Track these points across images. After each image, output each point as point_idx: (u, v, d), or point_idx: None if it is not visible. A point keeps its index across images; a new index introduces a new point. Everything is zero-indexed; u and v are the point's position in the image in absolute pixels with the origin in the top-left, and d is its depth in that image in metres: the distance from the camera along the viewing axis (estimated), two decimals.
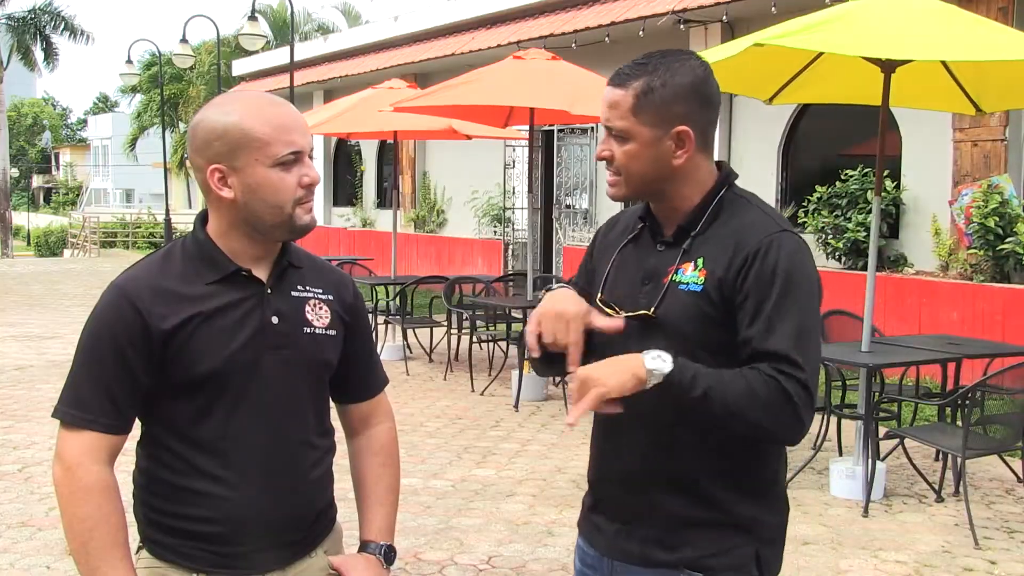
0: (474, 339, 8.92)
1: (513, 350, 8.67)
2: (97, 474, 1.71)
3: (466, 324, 9.17)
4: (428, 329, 9.86)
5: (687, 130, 1.82)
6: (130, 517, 1.79)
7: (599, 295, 1.95)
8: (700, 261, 1.82)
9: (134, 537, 1.80)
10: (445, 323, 9.37)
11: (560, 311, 1.80)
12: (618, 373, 1.69)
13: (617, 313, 1.89)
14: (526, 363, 7.83)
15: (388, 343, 9.89)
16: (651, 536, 1.86)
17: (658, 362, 1.69)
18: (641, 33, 11.61)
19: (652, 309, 1.83)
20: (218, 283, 1.78)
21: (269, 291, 1.81)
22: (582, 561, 2.02)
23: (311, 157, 1.80)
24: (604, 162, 1.88)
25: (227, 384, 1.75)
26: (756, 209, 1.87)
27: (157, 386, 1.75)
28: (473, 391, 8.26)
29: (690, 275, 1.82)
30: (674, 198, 1.88)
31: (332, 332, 1.88)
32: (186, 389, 1.75)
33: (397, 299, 9.80)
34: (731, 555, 1.83)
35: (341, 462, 1.98)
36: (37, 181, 72.58)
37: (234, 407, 1.77)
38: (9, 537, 4.69)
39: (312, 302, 1.86)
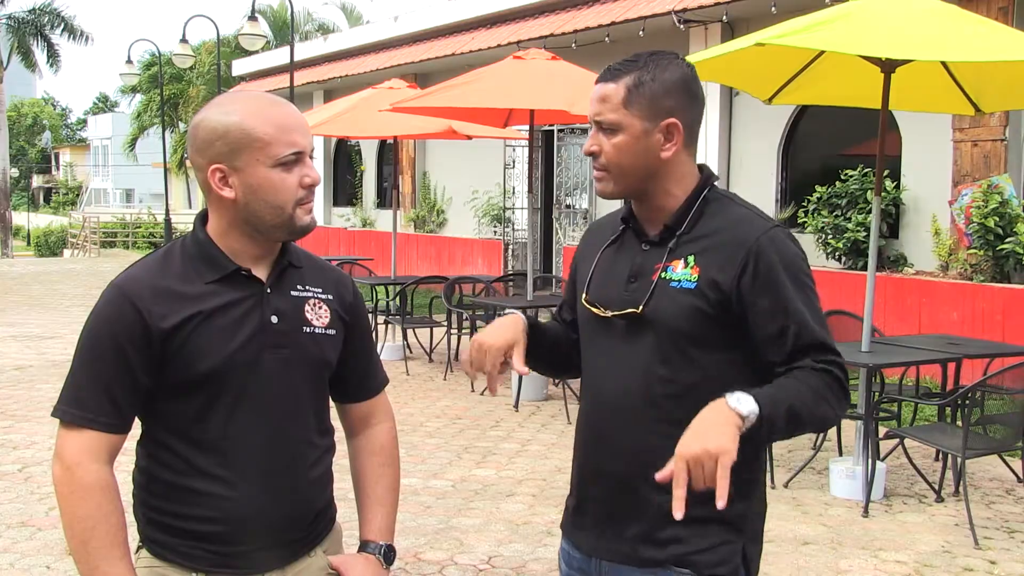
0: None
1: None
2: (97, 473, 1.71)
3: (466, 324, 9.17)
4: (428, 329, 9.86)
5: (676, 123, 1.85)
6: (130, 517, 1.79)
7: (584, 295, 1.97)
8: (691, 259, 1.84)
9: (134, 536, 1.80)
10: (445, 323, 9.37)
11: (482, 342, 1.89)
12: (724, 433, 1.62)
13: (604, 312, 1.91)
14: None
15: (388, 343, 9.89)
16: (640, 534, 1.86)
17: (744, 403, 1.67)
18: (641, 33, 11.61)
19: (640, 307, 1.85)
20: (218, 282, 1.78)
21: (269, 291, 1.81)
22: (568, 564, 2.02)
23: (312, 157, 1.80)
24: (592, 158, 1.91)
25: (227, 383, 1.75)
26: (740, 207, 1.91)
27: (157, 385, 1.75)
28: (473, 391, 8.26)
29: (681, 272, 1.84)
30: (660, 195, 1.90)
31: (332, 332, 1.88)
32: (186, 388, 1.75)
33: (397, 299, 9.80)
34: (719, 551, 1.85)
35: (342, 462, 1.98)
36: (37, 181, 72.58)
37: (234, 406, 1.76)
38: (9, 537, 4.69)
39: (312, 301, 1.86)
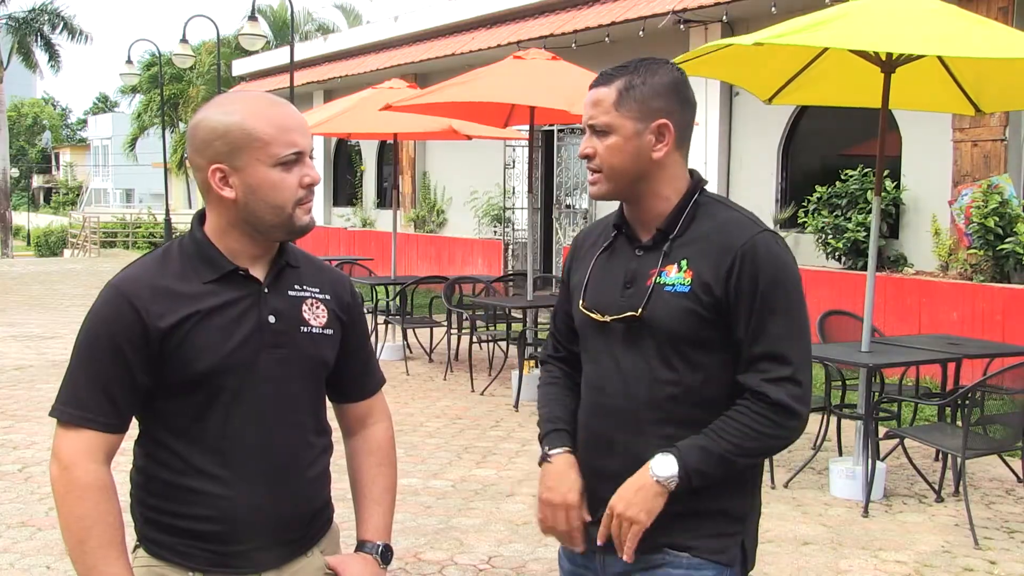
0: (474, 339, 8.92)
1: (513, 350, 8.67)
2: (94, 473, 1.71)
3: (466, 324, 9.17)
4: (428, 329, 9.86)
5: (667, 123, 1.88)
6: (127, 516, 1.79)
7: (581, 302, 2.00)
8: (684, 263, 1.87)
9: (131, 536, 1.79)
10: (445, 323, 9.37)
11: (556, 502, 1.97)
12: (644, 503, 1.83)
13: (602, 317, 1.94)
14: (526, 363, 7.83)
15: (388, 343, 9.89)
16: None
17: (664, 468, 1.81)
18: (641, 33, 11.61)
19: (639, 310, 1.87)
20: (215, 282, 1.78)
21: (266, 290, 1.81)
22: (571, 561, 2.05)
23: (312, 157, 1.80)
24: (586, 160, 1.95)
25: (224, 383, 1.75)
26: (731, 210, 1.94)
27: (155, 385, 1.75)
28: (473, 391, 8.26)
29: (675, 276, 1.87)
30: (651, 198, 1.93)
31: (329, 331, 1.88)
32: (183, 388, 1.75)
33: (397, 299, 9.80)
34: (719, 540, 1.89)
35: (340, 462, 1.97)
36: (37, 181, 72.55)
37: (231, 406, 1.76)
38: (9, 537, 4.69)
39: (309, 301, 1.87)
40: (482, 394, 8.16)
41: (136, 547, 1.83)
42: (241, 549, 1.78)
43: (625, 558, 1.84)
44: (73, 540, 1.69)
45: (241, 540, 1.78)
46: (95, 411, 1.72)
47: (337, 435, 1.99)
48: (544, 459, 2.04)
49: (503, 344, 8.98)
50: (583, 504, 1.96)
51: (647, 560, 1.89)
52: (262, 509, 1.79)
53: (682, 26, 11.50)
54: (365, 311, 9.19)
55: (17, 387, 8.25)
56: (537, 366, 7.78)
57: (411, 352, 9.87)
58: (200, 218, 1.84)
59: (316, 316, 1.86)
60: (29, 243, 39.35)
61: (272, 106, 1.77)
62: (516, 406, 7.64)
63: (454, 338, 9.11)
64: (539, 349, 8.09)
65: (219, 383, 1.75)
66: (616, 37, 12.01)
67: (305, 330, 1.84)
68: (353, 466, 2.02)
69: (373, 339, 9.56)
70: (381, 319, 9.92)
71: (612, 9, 12.27)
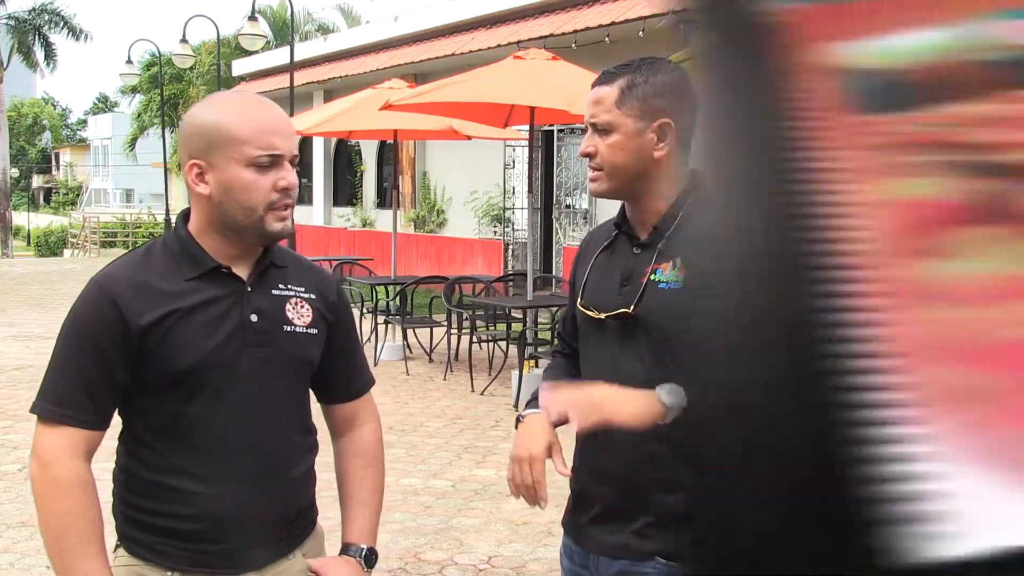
0: (474, 339, 8.92)
1: (513, 350, 8.67)
2: (75, 470, 1.70)
3: (466, 324, 9.17)
4: (428, 329, 9.86)
5: (669, 122, 1.88)
6: (108, 515, 1.78)
7: (579, 300, 2.01)
8: (679, 260, 1.87)
9: (112, 534, 1.79)
10: (445, 323, 9.37)
11: (523, 457, 1.89)
12: (634, 411, 1.74)
13: (598, 314, 1.94)
14: (526, 363, 7.83)
15: (388, 343, 9.88)
16: (639, 530, 1.88)
17: (675, 397, 1.74)
18: (641, 33, 11.60)
19: (632, 307, 1.88)
20: (198, 279, 1.77)
21: (249, 289, 1.80)
22: (571, 560, 2.05)
23: (294, 164, 1.78)
24: (587, 159, 1.95)
25: (206, 381, 1.74)
26: None
27: (136, 382, 1.74)
28: (473, 391, 8.25)
29: (669, 274, 1.87)
30: (651, 196, 1.93)
31: (314, 331, 1.87)
32: (165, 385, 1.74)
33: (397, 299, 9.79)
34: None
35: (330, 462, 1.97)
36: (37, 181, 72.57)
37: (214, 404, 1.75)
38: (9, 537, 4.69)
39: (293, 300, 1.85)
40: (482, 394, 8.16)
41: (117, 546, 1.82)
42: (222, 549, 1.77)
43: (578, 429, 1.76)
44: (52, 537, 1.68)
45: (222, 540, 1.77)
46: (75, 408, 1.71)
47: (326, 436, 1.98)
48: (518, 421, 2.01)
49: (503, 344, 8.97)
50: (558, 458, 1.88)
51: (638, 570, 1.87)
52: (244, 508, 1.77)
53: (682, 26, 11.48)
54: (365, 311, 9.05)
55: (17, 387, 8.25)
56: (537, 366, 7.79)
57: (411, 352, 9.86)
58: (185, 216, 1.84)
59: (300, 315, 1.85)
60: (29, 243, 39.35)
61: (257, 107, 1.76)
62: (516, 406, 7.63)
63: (454, 338, 9.11)
64: (539, 349, 8.10)
65: (201, 381, 1.74)
66: (616, 37, 12.01)
67: (288, 329, 1.83)
68: (340, 468, 2.01)
69: (373, 339, 9.56)
70: (381, 319, 9.92)
71: (612, 9, 12.27)
